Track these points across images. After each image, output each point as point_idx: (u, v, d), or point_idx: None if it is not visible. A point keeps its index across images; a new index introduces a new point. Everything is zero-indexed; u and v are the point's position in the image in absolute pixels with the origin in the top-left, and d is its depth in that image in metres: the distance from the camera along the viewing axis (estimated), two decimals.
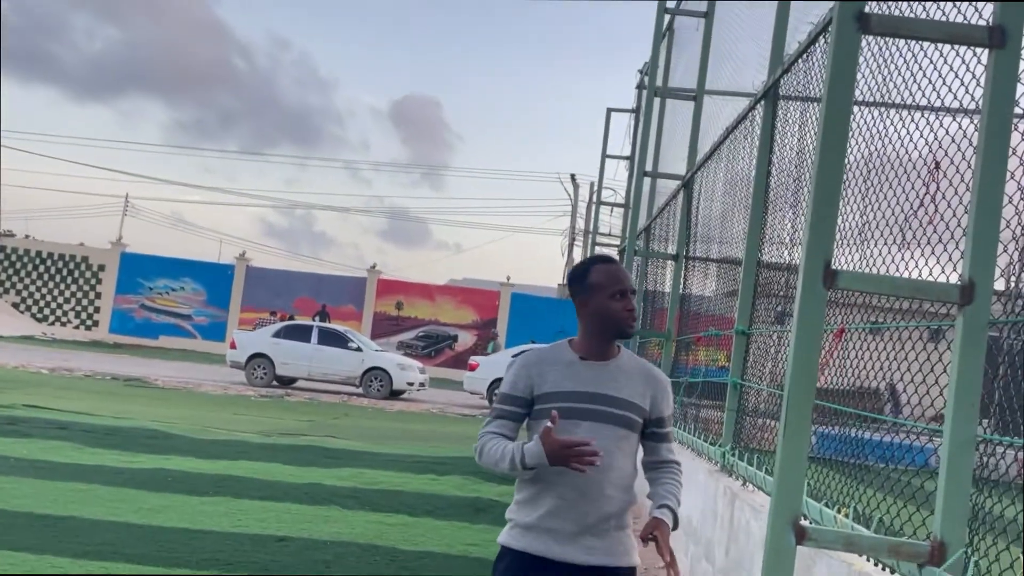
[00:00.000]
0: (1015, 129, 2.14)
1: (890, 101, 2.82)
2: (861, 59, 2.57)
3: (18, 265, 30.86)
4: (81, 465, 7.52)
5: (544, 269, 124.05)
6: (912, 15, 2.53)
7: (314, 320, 26.53)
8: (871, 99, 2.95)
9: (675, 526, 2.37)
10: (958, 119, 2.44)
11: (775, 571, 2.13)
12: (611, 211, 22.65)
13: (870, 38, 2.81)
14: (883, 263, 2.82)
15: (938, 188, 2.48)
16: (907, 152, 2.69)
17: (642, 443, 2.51)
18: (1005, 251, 2.26)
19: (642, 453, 2.53)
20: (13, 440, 8.43)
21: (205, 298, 30.69)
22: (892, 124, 2.78)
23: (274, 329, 20.10)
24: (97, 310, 30.69)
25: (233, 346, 19.73)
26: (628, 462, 2.44)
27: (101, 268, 30.87)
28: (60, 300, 30.82)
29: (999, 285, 2.25)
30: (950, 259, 2.36)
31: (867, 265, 2.93)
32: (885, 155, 2.84)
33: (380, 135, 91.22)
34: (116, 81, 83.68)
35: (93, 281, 30.83)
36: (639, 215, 10.60)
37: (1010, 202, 2.21)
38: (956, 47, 2.37)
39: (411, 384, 19.65)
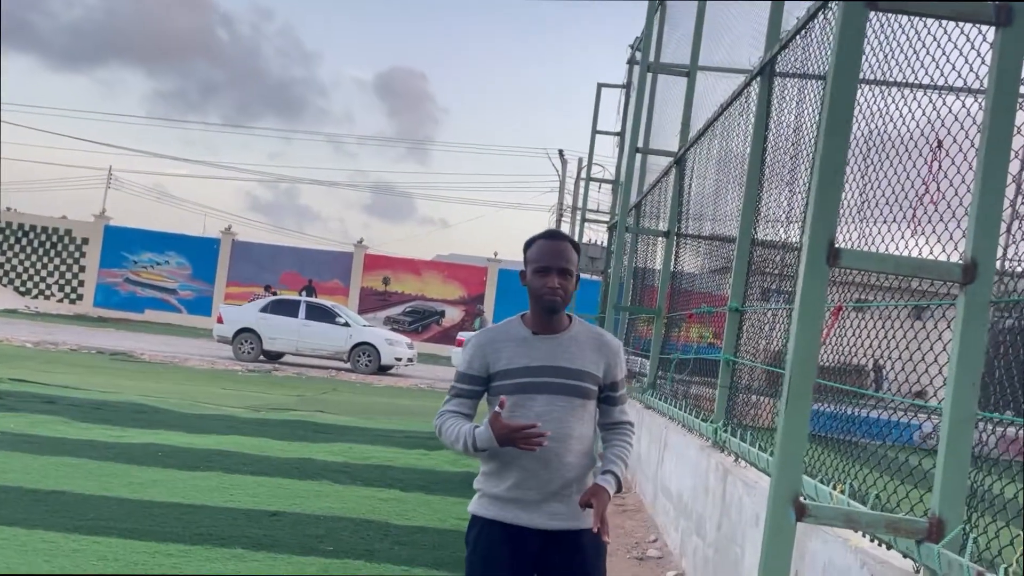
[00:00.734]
0: (1021, 108, 2.14)
1: (891, 80, 2.81)
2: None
3: (0, 238, 30.55)
4: (70, 439, 7.49)
5: None
6: None
7: (300, 295, 26.43)
8: (871, 77, 2.93)
9: (619, 488, 2.51)
10: (961, 97, 2.43)
11: (775, 546, 2.15)
12: (599, 187, 22.60)
13: (871, 15, 2.79)
14: (882, 241, 2.83)
15: (940, 167, 2.48)
16: (908, 131, 2.68)
17: (597, 406, 2.63)
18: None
19: (597, 415, 2.65)
20: (1, 414, 8.39)
21: (190, 272, 30.50)
22: (894, 102, 2.77)
23: (261, 304, 20.02)
24: (81, 283, 30.46)
25: (220, 320, 19.64)
26: (587, 428, 2.56)
27: (85, 241, 30.59)
28: (43, 273, 30.55)
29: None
30: (951, 238, 2.37)
31: (866, 243, 2.94)
32: (886, 133, 2.83)
33: (365, 108, 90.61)
34: (95, 50, 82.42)
35: (77, 254, 30.57)
36: (630, 191, 10.58)
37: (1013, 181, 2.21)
38: (960, 24, 2.36)
39: (399, 359, 19.66)
